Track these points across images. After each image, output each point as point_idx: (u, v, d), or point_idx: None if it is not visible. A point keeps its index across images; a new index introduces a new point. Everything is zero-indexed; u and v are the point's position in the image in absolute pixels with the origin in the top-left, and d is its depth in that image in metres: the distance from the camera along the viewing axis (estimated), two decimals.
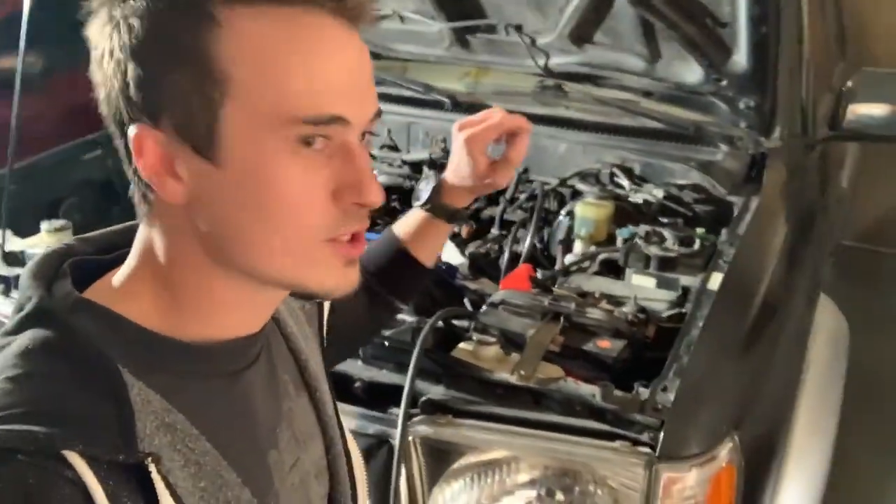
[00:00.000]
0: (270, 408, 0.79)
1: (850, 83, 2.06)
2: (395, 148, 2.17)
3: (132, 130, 0.65)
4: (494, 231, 1.92)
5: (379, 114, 0.71)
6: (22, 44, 1.68)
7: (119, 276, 0.71)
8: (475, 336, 1.31)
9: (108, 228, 0.79)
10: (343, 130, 0.66)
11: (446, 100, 2.09)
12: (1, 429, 0.57)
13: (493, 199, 2.01)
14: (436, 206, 1.11)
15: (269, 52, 0.63)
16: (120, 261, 0.72)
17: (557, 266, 1.71)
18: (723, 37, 1.68)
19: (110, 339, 0.66)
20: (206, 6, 0.62)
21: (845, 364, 1.61)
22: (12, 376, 0.61)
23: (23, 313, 0.66)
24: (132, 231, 0.73)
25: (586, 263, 1.66)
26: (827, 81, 2.34)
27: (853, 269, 3.71)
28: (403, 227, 1.13)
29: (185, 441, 0.67)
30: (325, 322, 0.95)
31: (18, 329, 0.65)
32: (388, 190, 2.11)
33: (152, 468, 0.63)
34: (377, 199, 0.68)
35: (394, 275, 1.12)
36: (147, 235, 0.70)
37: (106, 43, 0.64)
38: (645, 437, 1.13)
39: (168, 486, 0.64)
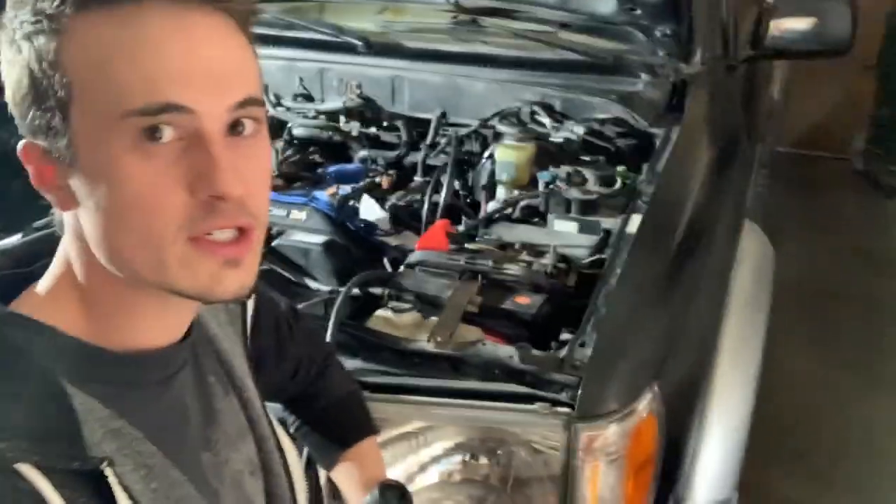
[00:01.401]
0: (201, 410, 0.80)
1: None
2: (309, 97, 2.07)
3: (19, 145, 0.67)
4: (417, 178, 1.87)
5: (253, 101, 0.67)
6: None
7: (42, 286, 0.71)
8: (391, 303, 1.28)
9: (25, 239, 0.80)
10: (190, 119, 0.63)
11: (358, 42, 2.00)
12: None
13: (413, 145, 1.95)
14: None
15: (100, 51, 0.63)
16: (41, 272, 0.72)
17: (481, 214, 1.67)
18: None
19: (46, 351, 0.67)
20: (53, 19, 0.63)
21: (770, 292, 1.61)
22: None
23: None
24: (50, 240, 0.74)
25: (508, 210, 1.62)
26: None
27: (789, 174, 3.75)
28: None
29: (132, 445, 0.68)
30: (248, 324, 0.93)
31: None
32: (305, 143, 2.03)
33: (108, 472, 0.64)
34: (228, 188, 0.64)
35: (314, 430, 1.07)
36: (64, 256, 0.71)
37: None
38: (563, 396, 1.12)
39: (125, 489, 0.65)
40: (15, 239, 1.55)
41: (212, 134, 0.64)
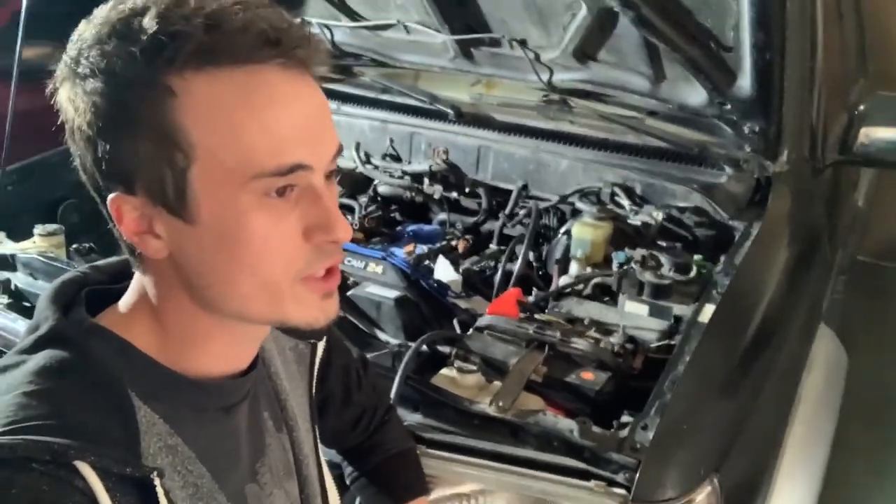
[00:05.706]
0: (252, 443, 0.83)
1: (863, 106, 2.02)
2: (397, 158, 2.15)
3: (109, 199, 0.69)
4: (493, 246, 1.91)
5: (340, 150, 0.74)
6: (19, 41, 1.67)
7: (122, 306, 0.76)
8: (456, 363, 1.30)
9: (119, 257, 0.83)
10: (306, 175, 0.69)
11: (450, 111, 2.07)
12: (18, 439, 0.62)
13: (492, 213, 1.99)
14: None
15: (225, 114, 0.65)
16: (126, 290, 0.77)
17: (552, 287, 1.69)
18: (727, 61, 1.64)
19: (121, 364, 0.71)
20: (159, 79, 0.65)
21: (840, 398, 1.57)
22: (29, 391, 0.66)
23: (38, 334, 0.71)
24: None
25: (580, 286, 1.64)
26: (843, 100, 2.29)
27: (866, 284, 3.65)
28: None
29: (184, 463, 0.72)
30: (316, 364, 0.97)
31: (34, 349, 0.70)
32: (388, 200, 2.10)
33: (157, 482, 0.67)
34: (345, 234, 0.71)
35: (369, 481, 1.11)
36: (140, 281, 0.75)
37: (74, 119, 0.67)
38: (620, 477, 1.11)
39: (170, 501, 0.69)
40: None
41: (321, 186, 0.71)
